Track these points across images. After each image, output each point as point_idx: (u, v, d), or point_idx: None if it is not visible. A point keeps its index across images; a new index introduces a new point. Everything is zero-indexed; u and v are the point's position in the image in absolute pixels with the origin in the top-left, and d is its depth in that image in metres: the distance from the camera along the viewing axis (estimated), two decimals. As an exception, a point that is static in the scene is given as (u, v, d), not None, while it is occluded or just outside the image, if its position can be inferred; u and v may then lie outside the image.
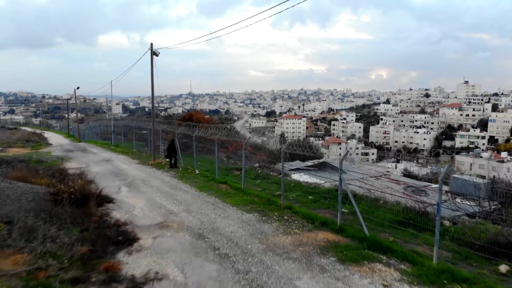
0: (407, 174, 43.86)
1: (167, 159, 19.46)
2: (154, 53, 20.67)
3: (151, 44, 20.60)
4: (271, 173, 17.58)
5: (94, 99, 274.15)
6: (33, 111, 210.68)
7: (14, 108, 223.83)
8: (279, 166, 25.00)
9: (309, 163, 27.09)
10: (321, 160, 26.97)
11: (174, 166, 18.94)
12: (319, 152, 47.28)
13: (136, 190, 14.04)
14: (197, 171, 17.79)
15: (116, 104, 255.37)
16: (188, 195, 13.00)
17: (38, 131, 75.66)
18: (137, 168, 19.39)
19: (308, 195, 12.76)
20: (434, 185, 24.27)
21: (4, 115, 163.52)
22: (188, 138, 19.64)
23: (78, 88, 47.30)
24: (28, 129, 76.85)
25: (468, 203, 18.37)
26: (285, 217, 10.14)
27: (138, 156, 23.88)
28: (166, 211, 10.95)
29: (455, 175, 23.64)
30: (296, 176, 22.65)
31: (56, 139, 50.85)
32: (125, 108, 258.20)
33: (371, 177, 23.28)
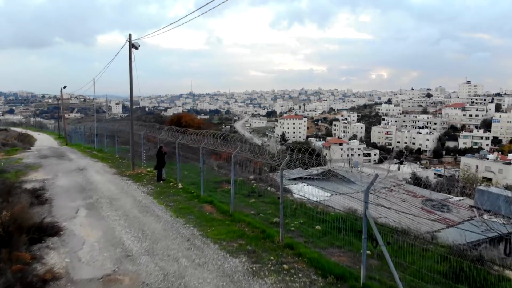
0: (416, 179, 40.86)
1: (155, 170, 16.44)
2: (133, 46, 17.76)
3: (129, 35, 17.70)
4: (269, 188, 14.65)
5: (94, 99, 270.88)
6: (33, 111, 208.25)
7: (14, 108, 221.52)
8: (278, 175, 22.12)
9: (313, 170, 24.19)
10: (325, 168, 24.09)
11: (161, 179, 15.95)
12: (322, 155, 44.43)
13: (96, 214, 11.13)
14: (180, 185, 14.88)
15: (116, 104, 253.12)
16: (159, 224, 10.07)
17: (30, 132, 73.05)
18: (111, 180, 16.46)
19: (315, 223, 9.84)
20: (455, 198, 21.33)
21: (2, 115, 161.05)
22: (172, 145, 16.70)
23: (65, 87, 44.34)
24: (20, 130, 74.20)
25: (500, 221, 15.47)
26: (285, 266, 7.21)
27: (118, 164, 20.96)
28: (122, 253, 8.03)
29: (481, 187, 20.73)
30: (297, 187, 19.78)
31: (43, 141, 48.10)
32: (125, 108, 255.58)
33: (384, 188, 20.40)
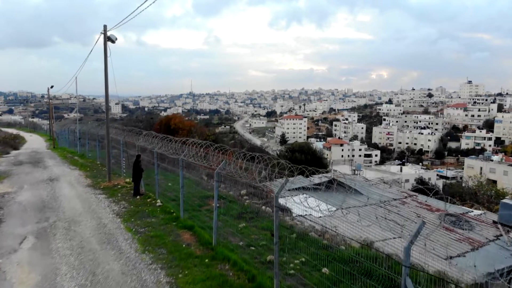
0: (422, 184, 38.48)
1: (132, 182, 14.11)
2: (109, 39, 15.43)
3: (104, 26, 15.33)
4: (264, 207, 12.32)
5: (93, 98, 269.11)
6: (32, 111, 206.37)
7: (13, 108, 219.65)
8: (275, 184, 19.77)
9: (315, 178, 21.85)
10: (328, 175, 21.75)
11: (138, 193, 13.65)
12: (323, 157, 42.12)
13: (45, 246, 8.83)
14: (158, 202, 12.57)
15: (116, 104, 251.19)
16: (118, 263, 7.77)
17: (23, 133, 70.83)
18: (81, 194, 14.14)
19: (320, 263, 7.55)
20: (476, 211, 19.02)
21: (0, 115, 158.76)
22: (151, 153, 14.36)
23: (52, 87, 42.16)
24: (11, 130, 72.07)
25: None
26: None
27: (96, 173, 18.64)
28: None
29: (506, 200, 18.39)
30: (298, 199, 17.42)
31: (32, 144, 45.86)
32: (125, 108, 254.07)
33: (395, 200, 18.13)
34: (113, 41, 15.54)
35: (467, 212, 17.46)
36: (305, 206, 13.76)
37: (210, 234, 8.94)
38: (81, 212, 11.60)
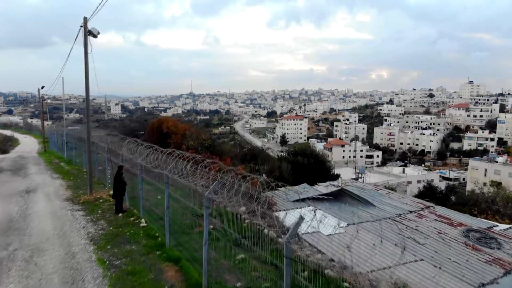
0: (431, 189, 36.71)
1: (113, 200, 12.30)
2: (90, 33, 13.63)
3: (84, 18, 13.48)
4: (266, 230, 10.48)
5: (93, 99, 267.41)
6: (32, 111, 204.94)
7: (13, 108, 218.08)
8: (278, 194, 17.83)
9: (321, 187, 19.95)
10: (335, 184, 19.92)
11: (121, 210, 11.86)
12: (326, 160, 40.29)
13: (-9, 288, 7.05)
14: (143, 222, 10.77)
15: (116, 104, 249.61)
16: (77, 319, 5.99)
17: (17, 135, 69.24)
18: (56, 211, 12.32)
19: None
20: (501, 226, 17.19)
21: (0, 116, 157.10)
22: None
23: (42, 87, 40.34)
24: (6, 132, 70.60)
25: None
26: None
27: (79, 183, 16.83)
28: None
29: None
30: (303, 212, 15.53)
31: (24, 146, 44.29)
32: (124, 108, 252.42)
33: (410, 212, 16.30)
34: (95, 36, 13.73)
35: (491, 227, 15.67)
36: (313, 226, 11.86)
37: (200, 270, 7.16)
38: (49, 237, 9.78)
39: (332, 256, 11.18)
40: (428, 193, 33.76)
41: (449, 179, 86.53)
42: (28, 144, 47.92)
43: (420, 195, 33.46)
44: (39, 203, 13.36)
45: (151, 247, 8.90)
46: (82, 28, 13.50)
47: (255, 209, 5.78)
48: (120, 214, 11.64)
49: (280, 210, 16.07)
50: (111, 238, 9.53)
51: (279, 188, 20.05)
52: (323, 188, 19.46)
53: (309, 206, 16.77)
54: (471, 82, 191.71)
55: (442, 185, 56.79)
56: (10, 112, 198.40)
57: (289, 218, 7.08)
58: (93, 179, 17.71)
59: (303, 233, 12.39)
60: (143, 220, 10.86)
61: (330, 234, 13.16)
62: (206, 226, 6.82)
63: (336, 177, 35.26)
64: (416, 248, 12.42)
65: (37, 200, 13.74)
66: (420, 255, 12.01)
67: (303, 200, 17.53)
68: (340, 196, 17.85)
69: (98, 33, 13.76)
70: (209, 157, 21.53)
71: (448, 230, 14.46)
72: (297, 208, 16.57)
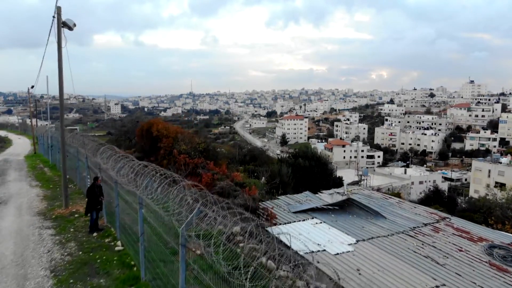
0: (437, 192, 35.18)
1: (87, 216, 10.85)
2: (64, 24, 12.18)
3: (58, 8, 12.00)
4: (264, 260, 9.00)
5: (93, 99, 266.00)
6: (32, 111, 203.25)
7: (12, 108, 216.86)
8: (278, 209, 16.17)
9: (325, 195, 18.41)
10: (341, 192, 18.38)
11: (96, 228, 10.40)
12: (328, 163, 38.73)
13: None
14: (119, 245, 9.32)
15: (115, 104, 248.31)
16: None
17: (12, 135, 67.87)
18: (23, 229, 10.85)
19: None
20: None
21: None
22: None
23: (32, 87, 38.93)
24: (2, 132, 69.47)
25: None
26: None
27: (57, 193, 15.34)
28: None
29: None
30: (307, 227, 13.99)
31: (16, 148, 42.87)
32: (124, 108, 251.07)
33: (425, 225, 14.72)
34: (70, 28, 12.27)
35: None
36: (318, 244, 10.48)
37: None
38: (5, 265, 8.33)
39: (338, 280, 9.74)
40: (434, 197, 32.28)
41: (451, 179, 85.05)
42: (20, 146, 46.48)
43: (426, 199, 32.03)
44: (6, 218, 11.92)
45: (124, 281, 7.44)
46: (55, 19, 12.03)
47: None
48: (95, 234, 10.19)
49: (281, 224, 14.65)
50: (77, 268, 8.08)
51: (279, 197, 18.60)
52: (327, 196, 17.96)
53: (313, 218, 15.34)
54: (472, 81, 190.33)
55: (444, 186, 55.36)
56: (9, 112, 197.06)
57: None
58: (75, 187, 16.31)
59: (306, 252, 10.95)
60: (119, 243, 9.41)
61: (337, 254, 11.75)
62: (183, 271, 5.35)
63: (339, 180, 33.79)
64: (435, 270, 10.96)
65: (5, 214, 12.30)
66: (441, 279, 10.49)
67: (306, 211, 16.06)
68: (346, 205, 16.36)
69: (74, 25, 12.32)
70: (203, 162, 20.18)
71: (469, 247, 12.96)
72: (300, 220, 15.13)
